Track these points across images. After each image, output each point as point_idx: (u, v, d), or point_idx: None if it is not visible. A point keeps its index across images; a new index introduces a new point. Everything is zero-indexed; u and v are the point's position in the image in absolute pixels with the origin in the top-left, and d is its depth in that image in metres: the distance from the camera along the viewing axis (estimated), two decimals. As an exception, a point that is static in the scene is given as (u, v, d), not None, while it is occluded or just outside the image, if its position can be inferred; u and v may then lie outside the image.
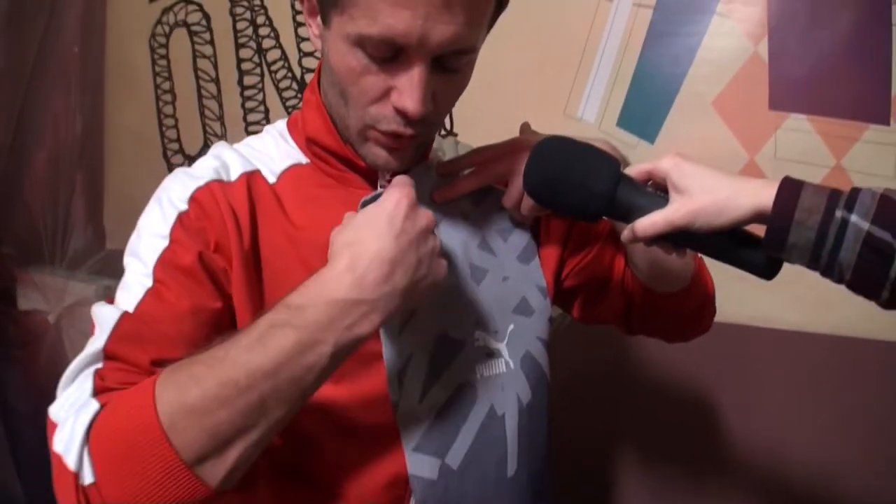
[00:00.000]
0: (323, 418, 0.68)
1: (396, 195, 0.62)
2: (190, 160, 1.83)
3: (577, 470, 1.41)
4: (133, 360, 0.60)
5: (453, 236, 0.77)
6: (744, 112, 1.32)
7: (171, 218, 0.66)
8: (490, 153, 0.78)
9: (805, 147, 1.30)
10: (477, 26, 0.63)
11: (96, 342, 0.61)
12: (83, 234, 1.94)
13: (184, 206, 0.67)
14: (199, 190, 0.68)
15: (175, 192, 0.68)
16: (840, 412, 1.30)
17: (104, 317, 0.63)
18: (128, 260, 0.67)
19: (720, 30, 1.32)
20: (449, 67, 0.64)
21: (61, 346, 1.81)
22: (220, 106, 1.78)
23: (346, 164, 0.73)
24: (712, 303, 0.90)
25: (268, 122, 1.69)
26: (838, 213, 0.56)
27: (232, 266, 0.67)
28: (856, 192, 0.57)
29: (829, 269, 0.58)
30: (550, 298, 0.83)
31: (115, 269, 1.97)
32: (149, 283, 0.64)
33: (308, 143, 0.74)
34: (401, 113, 0.63)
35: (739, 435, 1.38)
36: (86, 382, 0.58)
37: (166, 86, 1.84)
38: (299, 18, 1.64)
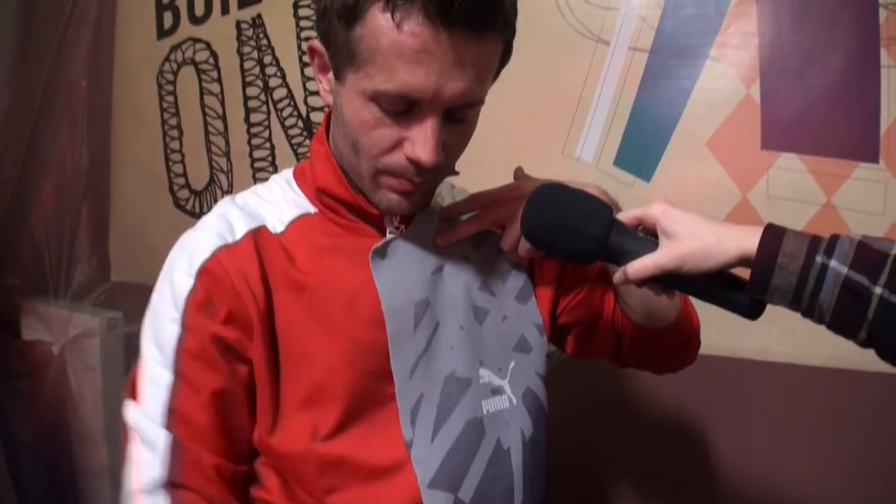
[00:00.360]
0: (340, 458, 0.71)
1: None
2: (195, 194, 1.86)
3: (575, 500, 1.42)
4: (200, 488, 0.67)
5: (457, 278, 0.80)
6: (737, 152, 1.35)
7: (181, 299, 0.70)
8: (488, 199, 0.82)
9: (796, 185, 1.32)
10: (484, 80, 0.67)
11: (152, 469, 0.67)
12: (88, 265, 1.95)
13: (191, 283, 0.70)
14: (206, 262, 0.70)
15: (182, 267, 0.71)
16: (833, 442, 1.32)
17: (150, 437, 0.68)
18: (146, 345, 0.71)
19: (713, 73, 1.35)
20: (458, 118, 0.68)
21: (65, 377, 1.82)
22: (227, 142, 1.80)
23: (355, 212, 0.76)
24: (697, 336, 0.93)
25: (273, 158, 1.73)
26: (818, 259, 0.59)
27: (251, 330, 0.70)
28: (835, 238, 0.60)
29: (810, 311, 0.61)
30: (547, 336, 0.86)
31: (119, 301, 1.98)
32: (170, 377, 0.69)
33: (318, 194, 0.77)
34: (414, 162, 0.67)
35: (734, 466, 1.39)
36: None
37: (173, 121, 1.87)
38: (305, 59, 1.67)
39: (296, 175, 0.81)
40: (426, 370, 0.74)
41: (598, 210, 0.69)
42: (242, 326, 0.70)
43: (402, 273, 0.76)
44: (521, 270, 0.86)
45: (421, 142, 0.65)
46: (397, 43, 0.61)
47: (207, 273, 0.70)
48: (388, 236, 0.77)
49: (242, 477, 0.73)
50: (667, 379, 1.00)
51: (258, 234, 0.74)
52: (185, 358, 0.69)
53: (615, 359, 0.95)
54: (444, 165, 0.70)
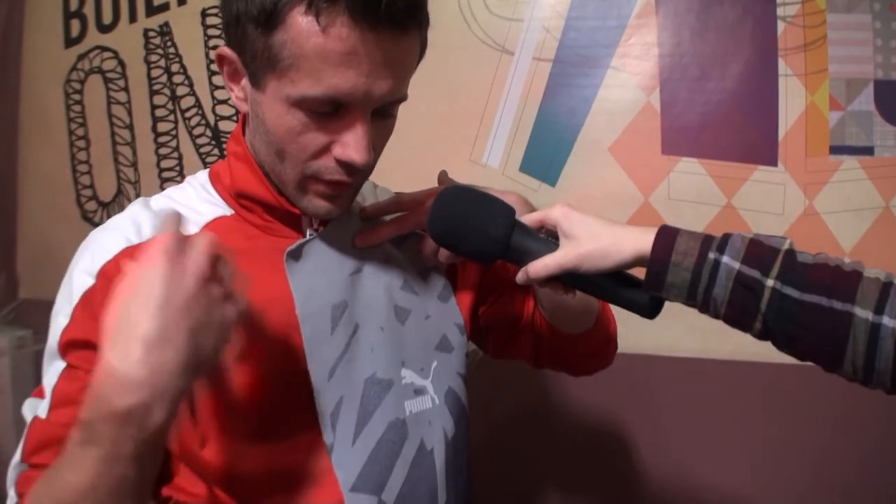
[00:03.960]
0: (262, 466, 0.69)
1: (154, 258, 0.55)
2: (103, 206, 1.81)
3: (498, 500, 1.43)
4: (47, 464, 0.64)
5: (378, 279, 0.79)
6: (638, 157, 1.39)
7: (77, 295, 0.68)
8: (411, 201, 0.81)
9: (697, 188, 1.37)
10: (408, 75, 0.68)
11: (19, 449, 0.67)
12: (-5, 282, 1.89)
13: (90, 282, 0.68)
14: (107, 263, 0.69)
15: (83, 266, 0.70)
16: (744, 432, 1.37)
17: (27, 419, 0.68)
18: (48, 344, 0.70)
19: (615, 82, 1.39)
20: (384, 114, 0.68)
21: (-30, 398, 1.75)
22: (134, 152, 1.76)
23: (275, 213, 0.75)
24: (614, 340, 0.94)
25: (181, 168, 1.70)
26: (711, 255, 0.61)
27: None
28: (727, 236, 0.62)
29: (706, 306, 0.63)
30: (467, 335, 0.86)
31: (28, 319, 1.90)
32: (62, 364, 0.68)
33: (237, 196, 0.75)
34: (344, 164, 0.66)
35: (653, 461, 1.43)
36: (12, 489, 0.65)
37: (80, 132, 1.81)
38: (213, 67, 1.65)
39: (211, 177, 0.79)
40: (346, 373, 0.73)
41: (500, 212, 0.70)
42: None
43: (317, 275, 0.74)
44: (441, 272, 0.86)
45: (353, 143, 0.65)
46: (323, 47, 0.60)
47: (105, 276, 0.68)
48: (308, 237, 0.75)
49: None
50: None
51: None
52: (70, 347, 0.68)
53: (532, 360, 0.96)
54: (372, 162, 0.70)
